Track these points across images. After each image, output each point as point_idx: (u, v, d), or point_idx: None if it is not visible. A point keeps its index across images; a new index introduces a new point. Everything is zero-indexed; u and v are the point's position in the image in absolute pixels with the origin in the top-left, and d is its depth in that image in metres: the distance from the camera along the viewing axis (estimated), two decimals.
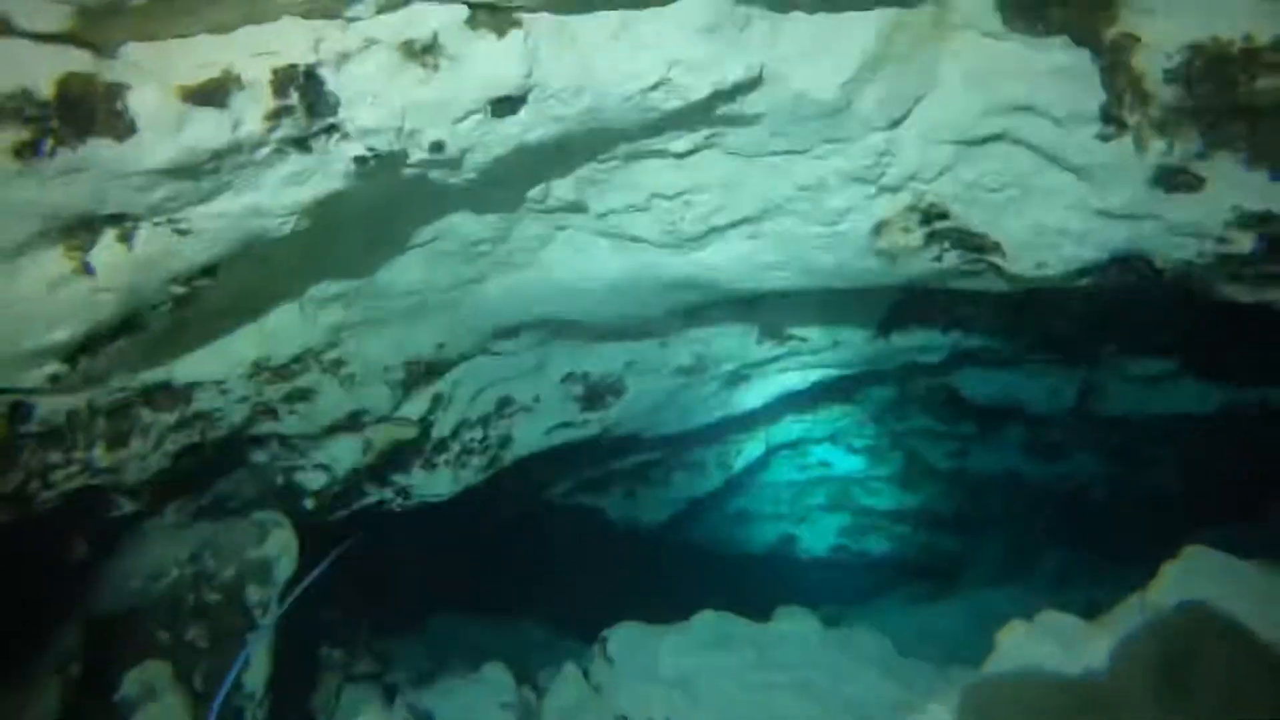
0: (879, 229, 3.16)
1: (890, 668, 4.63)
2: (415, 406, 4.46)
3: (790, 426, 9.35)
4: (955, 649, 5.89)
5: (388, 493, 4.99)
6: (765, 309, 5.16)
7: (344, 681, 6.00)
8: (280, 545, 4.28)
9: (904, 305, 5.32)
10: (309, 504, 4.64)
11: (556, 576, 11.33)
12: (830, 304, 5.22)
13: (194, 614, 4.10)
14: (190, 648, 4.12)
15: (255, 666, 4.27)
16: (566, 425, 5.42)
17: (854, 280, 3.68)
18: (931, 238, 3.13)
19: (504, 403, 5.05)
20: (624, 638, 5.19)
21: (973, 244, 3.11)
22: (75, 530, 3.85)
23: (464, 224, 3.46)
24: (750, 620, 5.78)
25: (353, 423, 4.28)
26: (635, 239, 3.50)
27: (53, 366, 2.49)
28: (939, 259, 3.24)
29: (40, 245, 2.04)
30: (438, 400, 4.55)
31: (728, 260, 3.54)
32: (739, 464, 9.19)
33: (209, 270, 2.54)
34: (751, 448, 9.08)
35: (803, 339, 5.53)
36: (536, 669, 7.32)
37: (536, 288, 3.89)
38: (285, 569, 4.28)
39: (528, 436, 5.29)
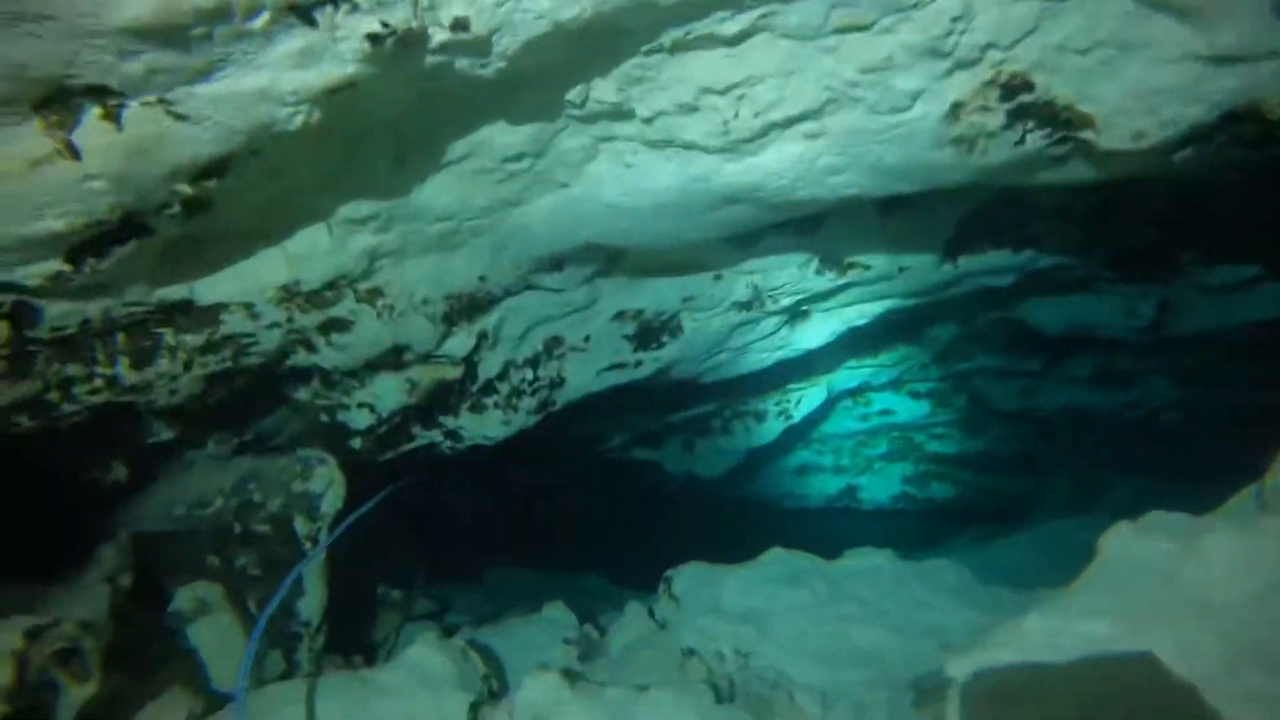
0: (954, 111, 2.80)
1: (970, 595, 4.32)
2: (459, 344, 4.25)
3: (851, 372, 8.98)
4: (1030, 579, 5.53)
5: (436, 435, 4.83)
6: (825, 233, 4.81)
7: (403, 621, 5.94)
8: (326, 480, 4.15)
9: (973, 222, 4.90)
10: (355, 444, 4.49)
11: (615, 532, 11.22)
12: (895, 223, 4.84)
13: (242, 542, 4.02)
14: (241, 574, 4.04)
15: (309, 595, 4.17)
16: (619, 366, 5.17)
17: (924, 180, 3.31)
18: (1014, 116, 2.75)
19: (553, 342, 4.81)
20: (690, 576, 4.97)
21: (1060, 119, 2.72)
22: (112, 452, 3.77)
23: (499, 136, 3.20)
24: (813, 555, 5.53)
25: (394, 359, 4.10)
26: (686, 145, 3.19)
27: (54, 263, 2.32)
28: (1021, 142, 2.85)
29: (10, 114, 1.84)
30: (483, 338, 4.33)
31: (785, 163, 3.21)
32: (799, 413, 8.85)
33: (215, 169, 2.33)
34: (812, 395, 8.74)
35: (865, 266, 5.16)
36: (598, 615, 7.20)
37: (580, 208, 3.62)
38: (332, 503, 4.15)
39: (579, 378, 5.06)
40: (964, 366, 9.53)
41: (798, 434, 10.16)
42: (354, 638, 5.15)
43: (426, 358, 4.25)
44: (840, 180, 3.33)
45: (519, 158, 3.31)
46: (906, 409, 10.97)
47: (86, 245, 2.38)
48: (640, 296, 4.84)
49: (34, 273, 2.38)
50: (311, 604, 4.21)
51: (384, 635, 5.54)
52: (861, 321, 6.09)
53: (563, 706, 3.60)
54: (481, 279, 4.01)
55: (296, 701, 3.24)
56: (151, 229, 2.56)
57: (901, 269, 5.25)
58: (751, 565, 4.94)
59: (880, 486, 13.36)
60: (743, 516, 13.23)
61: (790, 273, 5.03)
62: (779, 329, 5.85)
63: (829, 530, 14.24)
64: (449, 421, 4.77)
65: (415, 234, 3.56)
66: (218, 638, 3.83)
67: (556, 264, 4.22)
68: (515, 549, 9.99)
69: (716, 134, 3.09)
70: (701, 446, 8.79)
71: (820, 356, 7.81)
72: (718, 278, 4.93)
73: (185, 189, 2.38)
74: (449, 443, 4.87)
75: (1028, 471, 12.52)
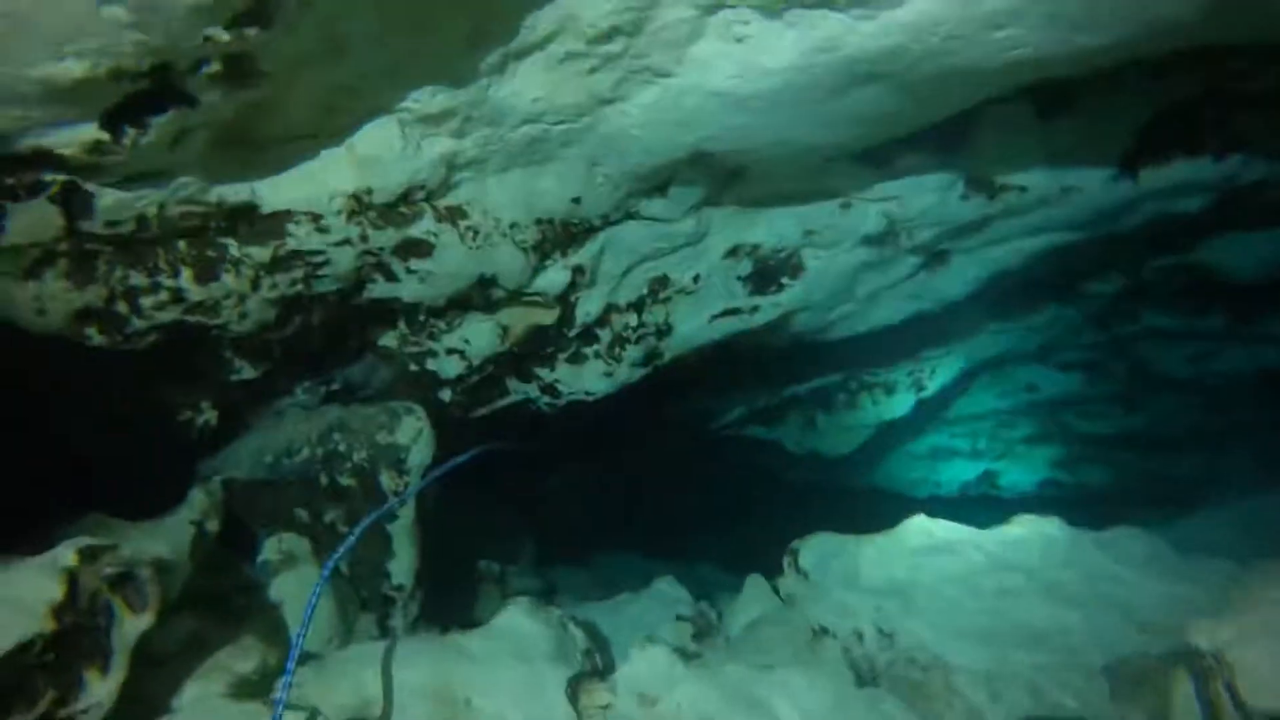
0: None
1: (1169, 567, 3.53)
2: (553, 279, 3.80)
3: (993, 339, 8.06)
4: (1235, 554, 4.61)
5: (532, 389, 4.40)
6: (972, 146, 4.10)
7: (506, 597, 5.57)
8: (412, 432, 3.78)
9: (1162, 124, 4.06)
10: (446, 395, 4.12)
11: (729, 519, 10.62)
12: (1059, 130, 4.07)
13: (329, 495, 3.71)
14: (330, 529, 3.74)
15: (399, 557, 3.83)
16: (733, 312, 4.60)
17: (1127, 28, 2.60)
18: None
19: (659, 283, 4.30)
20: (819, 547, 4.35)
21: None
22: (198, 391, 3.53)
23: (588, 5, 2.72)
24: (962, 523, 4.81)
25: (482, 296, 3.69)
26: (815, 1, 2.62)
27: (90, 128, 2.01)
28: None
29: None
30: (579, 274, 3.87)
31: (934, 11, 2.58)
32: (934, 384, 8.01)
33: (257, 13, 1.94)
34: (949, 364, 7.88)
35: (1020, 188, 4.39)
36: (714, 598, 6.65)
37: (685, 103, 3.09)
38: (419, 457, 3.78)
39: (689, 325, 4.53)
40: (1127, 329, 8.43)
41: (930, 411, 9.28)
42: (453, 610, 4.81)
43: (517, 295, 3.82)
44: (1006, 36, 2.67)
45: (611, 35, 2.81)
46: (1054, 384, 9.90)
47: (122, 109, 2.05)
48: (756, 229, 4.26)
49: (71, 139, 2.07)
50: (402, 565, 3.86)
51: (485, 612, 5.18)
52: (1011, 263, 5.28)
53: (674, 684, 3.07)
54: (575, 201, 3.54)
55: (373, 664, 2.86)
56: (193, 97, 2.21)
57: (1065, 190, 4.45)
58: (890, 535, 4.27)
59: (1024, 472, 12.21)
60: (869, 504, 12.35)
61: (930, 198, 4.33)
62: (915, 272, 5.13)
63: (965, 520, 13.16)
64: (545, 374, 4.34)
65: (497, 141, 3.12)
66: (302, 591, 3.53)
67: (660, 185, 3.70)
68: (624, 532, 9.57)
69: None
70: (825, 422, 8.08)
71: (958, 316, 6.98)
72: (845, 206, 4.29)
73: (222, 34, 2.00)
74: (546, 398, 4.44)
75: (1200, 448, 11.13)
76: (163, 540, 2.92)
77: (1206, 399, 10.22)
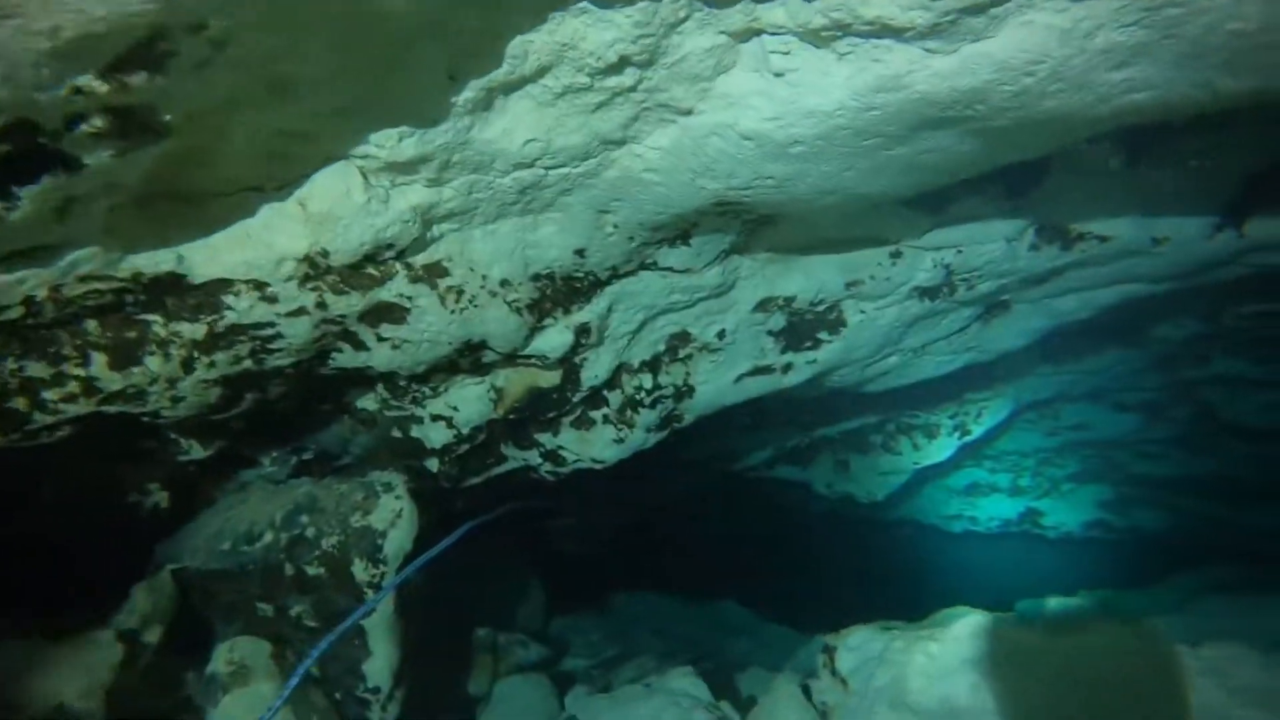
0: None
1: None
2: (553, 341, 3.26)
3: (1045, 380, 7.40)
4: None
5: (533, 456, 3.87)
6: (1047, 190, 3.50)
7: (506, 669, 5.04)
8: (390, 514, 3.26)
9: (1276, 172, 3.43)
10: (433, 465, 3.60)
11: (756, 556, 10.02)
12: (1149, 175, 3.46)
13: (295, 587, 3.20)
14: (296, 624, 3.24)
15: (376, 657, 3.31)
16: (763, 371, 4.04)
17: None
18: None
19: (678, 340, 3.75)
20: (859, 648, 3.77)
21: None
22: (145, 472, 3.04)
23: (592, 32, 2.17)
24: (1028, 620, 4.20)
25: (470, 359, 3.16)
26: (870, 30, 2.05)
27: None
28: None
29: None
30: (584, 334, 3.32)
31: (1034, 47, 2.00)
32: (979, 428, 7.37)
33: (143, 57, 1.43)
34: (996, 407, 7.24)
35: (1101, 238, 3.78)
36: (736, 664, 6.07)
37: (709, 146, 2.53)
38: (398, 542, 3.26)
39: (712, 386, 3.97)
40: (1193, 374, 7.72)
41: (971, 450, 8.62)
42: (441, 696, 4.29)
43: (512, 358, 3.29)
44: (1125, 78, 2.08)
45: (621, 67, 2.27)
46: (1108, 423, 9.17)
47: None
48: (791, 279, 3.69)
49: None
50: (379, 665, 3.34)
51: (481, 688, 4.66)
52: (1080, 315, 4.66)
53: None
54: (579, 254, 3.00)
55: None
56: (73, 158, 1.70)
57: (1155, 240, 3.83)
58: (939, 634, 3.67)
59: (1069, 511, 11.47)
60: (901, 539, 11.69)
61: (995, 248, 3.73)
62: (968, 324, 4.53)
63: (1004, 559, 12.42)
64: (547, 440, 3.80)
65: (485, 188, 2.58)
66: (255, 711, 3.03)
67: (680, 233, 3.15)
68: (644, 572, 9.03)
69: (920, 3, 1.94)
70: (859, 465, 7.46)
71: (1012, 363, 6.35)
72: (896, 255, 3.70)
73: (96, 85, 1.49)
74: (549, 465, 3.90)
75: (1273, 500, 10.28)
76: (79, 674, 2.42)
77: None
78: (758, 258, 3.61)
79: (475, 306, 2.92)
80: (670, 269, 3.36)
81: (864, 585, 10.85)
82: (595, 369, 3.52)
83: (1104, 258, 3.93)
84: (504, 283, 2.94)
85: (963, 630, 3.69)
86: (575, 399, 3.57)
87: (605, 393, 3.73)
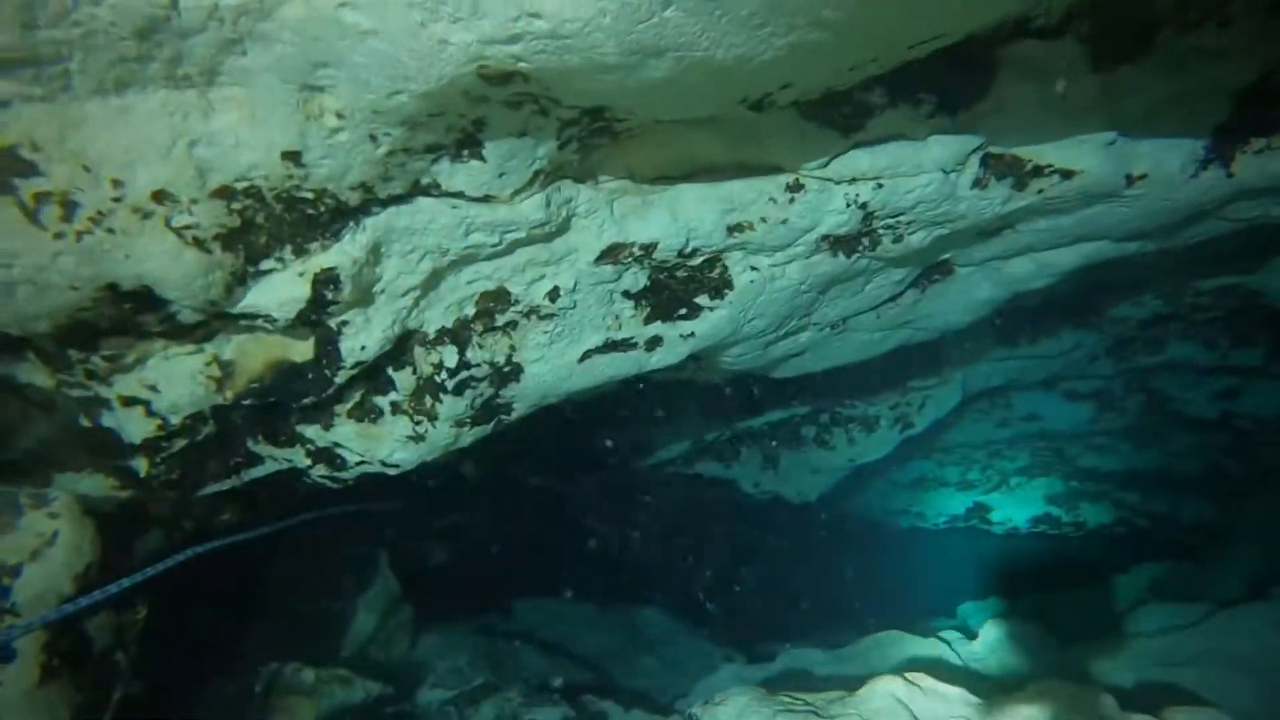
0: None
1: None
2: (280, 293, 2.17)
3: (996, 366, 6.49)
4: None
5: (298, 456, 2.77)
6: (996, 101, 2.50)
7: (330, 716, 3.97)
8: (32, 540, 2.18)
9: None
10: (140, 467, 2.50)
11: (681, 558, 9.03)
12: (1126, 87, 2.48)
13: None
14: None
15: None
16: (620, 347, 2.99)
17: None
18: None
19: (493, 300, 2.67)
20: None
21: None
22: None
23: None
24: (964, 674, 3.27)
25: (156, 319, 2.06)
26: None
27: None
28: None
29: None
30: (332, 285, 2.23)
31: None
32: (923, 420, 6.42)
33: None
34: (942, 396, 6.29)
35: (1065, 173, 2.79)
36: (625, 698, 5.07)
37: None
38: (39, 583, 2.17)
39: (548, 367, 2.89)
40: (1147, 360, 6.92)
41: (917, 444, 7.70)
42: None
43: (227, 317, 2.20)
44: None
45: None
46: (1060, 414, 8.36)
47: None
48: (650, 220, 2.63)
49: None
50: None
51: None
52: (1035, 284, 3.69)
53: None
54: (294, 160, 1.91)
55: None
56: None
57: (1130, 179, 2.85)
58: (849, 705, 2.68)
59: (1017, 506, 10.71)
60: (842, 535, 10.79)
61: (929, 182, 2.72)
62: (900, 291, 3.53)
63: (951, 555, 11.60)
64: (316, 435, 2.72)
65: (70, 25, 1.50)
66: None
67: (460, 137, 2.07)
68: (560, 578, 8.00)
69: None
70: (789, 463, 6.48)
71: (959, 344, 5.40)
72: (794, 190, 2.67)
73: None
74: (323, 469, 2.81)
75: (1216, 495, 9.65)
76: None
77: (1229, 440, 8.77)
78: (603, 188, 2.55)
79: (112, 231, 1.83)
80: (461, 195, 2.28)
81: (799, 589, 9.92)
82: (363, 337, 2.43)
83: (1066, 202, 2.94)
84: (161, 196, 1.85)
85: (874, 695, 2.69)
86: (339, 378, 2.48)
87: (391, 371, 2.65)
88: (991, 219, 2.98)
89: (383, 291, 2.42)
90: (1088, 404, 8.09)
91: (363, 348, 2.44)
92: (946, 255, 3.39)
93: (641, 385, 4.09)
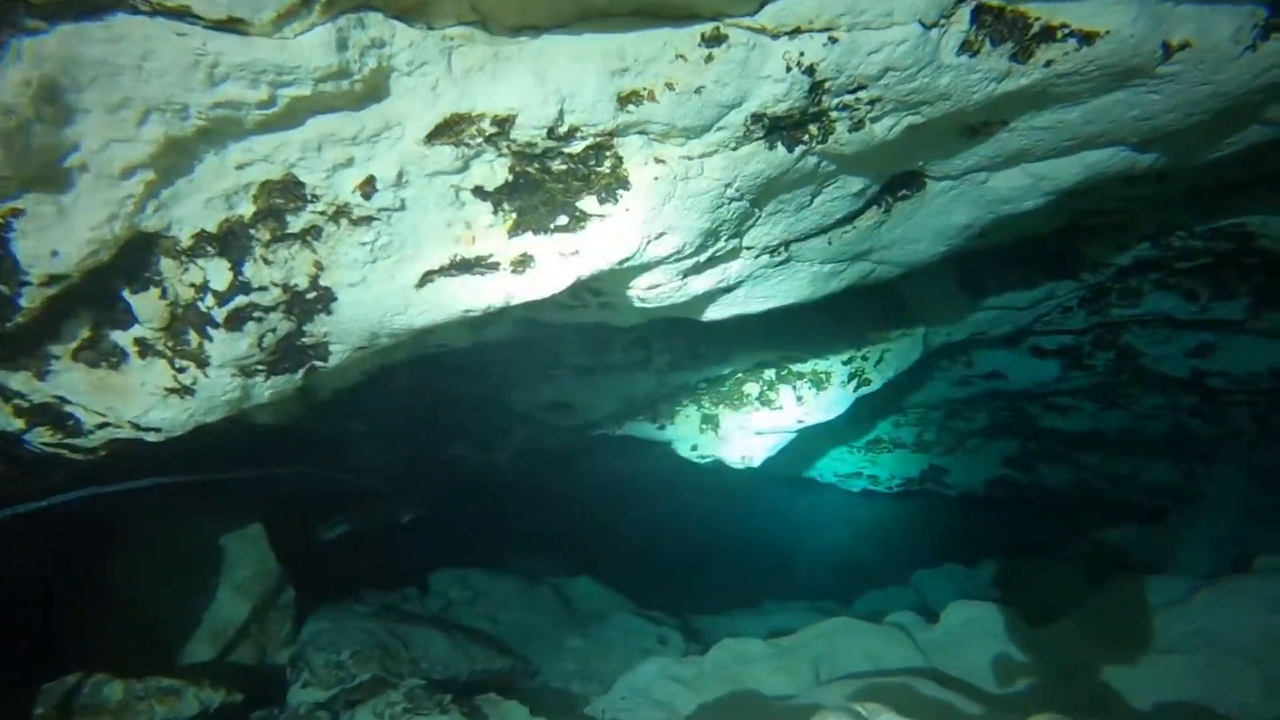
0: None
1: None
2: None
3: (963, 318, 5.83)
4: None
5: (6, 417, 1.94)
6: None
7: None
8: None
9: None
10: None
11: (616, 525, 8.34)
12: None
13: None
14: None
15: None
16: (474, 268, 2.17)
17: None
18: None
19: (280, 192, 1.83)
20: None
21: None
22: None
23: None
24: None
25: None
26: None
27: None
28: None
29: None
30: None
31: None
32: (880, 376, 5.72)
33: None
34: (903, 349, 5.61)
35: (1084, 36, 2.02)
36: (536, 697, 4.37)
37: None
38: None
39: (371, 295, 2.07)
40: (1123, 313, 6.35)
41: (874, 403, 7.06)
42: None
43: None
44: None
45: None
46: (1024, 372, 7.81)
47: None
48: (507, 82, 1.81)
49: None
50: None
51: None
52: (1025, 205, 2.96)
53: None
54: None
55: None
56: None
57: (1169, 48, 2.11)
58: None
59: (974, 469, 10.22)
60: (789, 501, 10.22)
61: (900, 38, 1.94)
62: (859, 209, 2.77)
63: (904, 518, 11.11)
64: (27, 385, 1.88)
65: None
66: None
67: None
68: (484, 550, 7.27)
69: None
70: (731, 424, 5.77)
71: (925, 281, 4.72)
72: (714, 43, 1.88)
73: None
74: (48, 434, 1.98)
75: (1181, 457, 9.26)
76: None
77: (1201, 399, 8.34)
78: (437, 33, 1.72)
79: None
80: (188, 13, 1.44)
81: (743, 557, 9.33)
82: (55, 237, 1.59)
83: (1080, 84, 2.18)
84: None
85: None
86: (26, 300, 1.65)
87: (129, 294, 1.82)
88: (981, 104, 2.21)
89: (84, 168, 1.57)
90: (1054, 360, 7.54)
91: (55, 254, 1.59)
92: (919, 163, 2.63)
93: (539, 331, 3.30)
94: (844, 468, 10.08)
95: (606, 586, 7.50)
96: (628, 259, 2.28)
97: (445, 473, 6.18)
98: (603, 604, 7.31)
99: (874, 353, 5.52)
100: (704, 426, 5.74)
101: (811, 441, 7.35)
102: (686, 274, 2.59)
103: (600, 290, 2.55)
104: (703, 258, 2.51)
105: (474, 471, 6.19)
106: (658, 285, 2.57)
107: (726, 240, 2.51)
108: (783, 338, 5.03)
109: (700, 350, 4.93)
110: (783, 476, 8.37)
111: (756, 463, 5.86)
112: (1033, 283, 5.46)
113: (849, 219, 2.75)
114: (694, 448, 5.88)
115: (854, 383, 5.59)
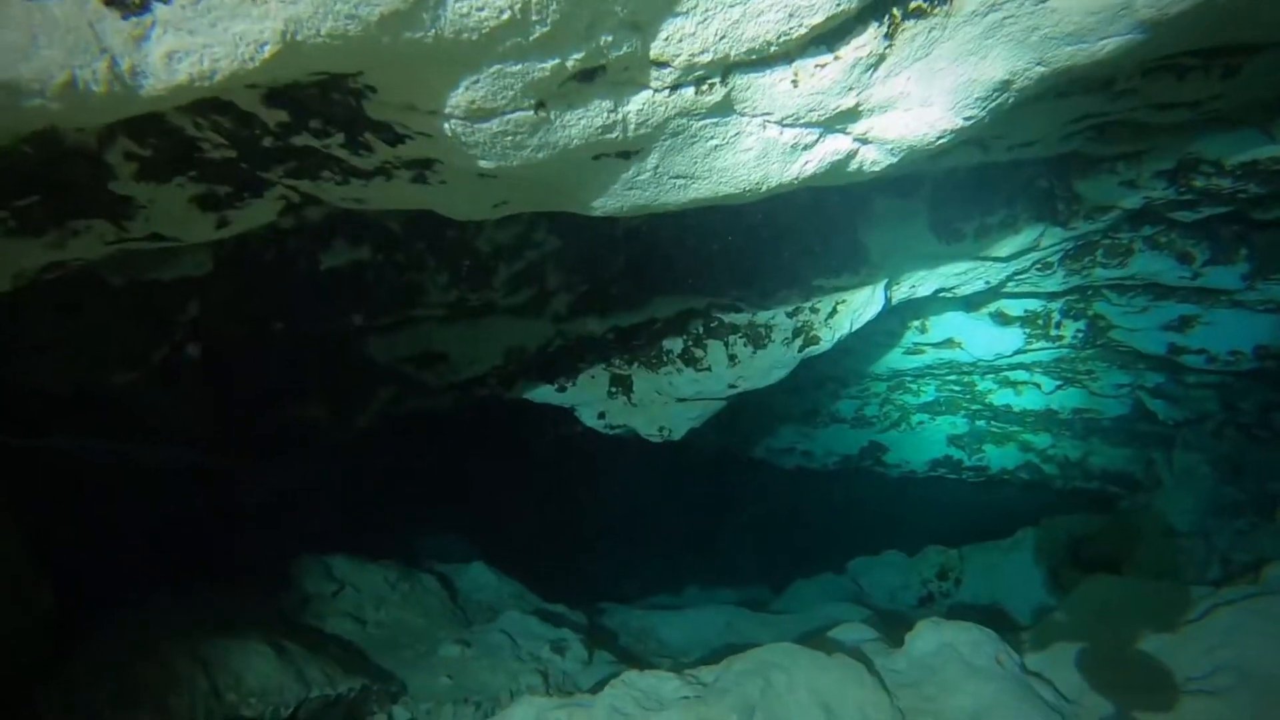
0: None
1: None
2: None
3: (929, 268, 4.80)
4: None
5: None
6: None
7: None
8: None
9: None
10: None
11: (513, 505, 7.17)
12: None
13: None
14: None
15: None
16: None
17: None
18: None
19: None
20: None
21: None
22: None
23: None
24: None
25: None
26: None
27: None
28: None
29: None
30: None
31: None
32: (830, 335, 4.66)
33: None
34: (859, 303, 4.53)
35: None
36: None
37: None
38: None
39: None
40: (1105, 274, 5.47)
41: (817, 367, 6.05)
42: None
43: None
44: None
45: None
46: (983, 341, 6.91)
47: None
48: None
49: None
50: None
51: None
52: (1105, 42, 1.88)
53: None
54: None
55: None
56: None
57: None
58: None
59: (916, 447, 9.41)
60: (713, 477, 9.21)
61: None
62: (849, 16, 1.65)
63: (840, 501, 10.26)
64: None
65: None
66: None
67: None
68: (351, 533, 6.03)
69: None
70: (644, 387, 4.63)
71: (885, 219, 3.65)
72: None
73: None
74: None
75: (1139, 442, 8.60)
76: None
77: (1167, 378, 7.62)
78: None
79: None
80: None
81: (654, 539, 8.29)
82: None
83: None
84: None
85: None
86: None
87: None
88: None
89: None
90: (1017, 328, 6.65)
91: None
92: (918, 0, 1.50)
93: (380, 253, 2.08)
94: (776, 442, 9.13)
95: (502, 575, 6.35)
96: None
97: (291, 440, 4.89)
98: (496, 596, 6.17)
99: (825, 304, 4.46)
100: (613, 390, 4.60)
101: (741, 411, 6.29)
102: (610, 116, 1.40)
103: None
104: (553, 61, 1.32)
105: (327, 437, 4.92)
106: (501, 137, 1.37)
107: (607, 35, 1.33)
108: (708, 273, 3.92)
109: (611, 290, 3.77)
110: (706, 451, 7.32)
111: (677, 435, 4.76)
112: (1017, 226, 4.46)
113: (832, 38, 1.60)
114: (601, 415, 4.74)
115: (799, 340, 4.52)
